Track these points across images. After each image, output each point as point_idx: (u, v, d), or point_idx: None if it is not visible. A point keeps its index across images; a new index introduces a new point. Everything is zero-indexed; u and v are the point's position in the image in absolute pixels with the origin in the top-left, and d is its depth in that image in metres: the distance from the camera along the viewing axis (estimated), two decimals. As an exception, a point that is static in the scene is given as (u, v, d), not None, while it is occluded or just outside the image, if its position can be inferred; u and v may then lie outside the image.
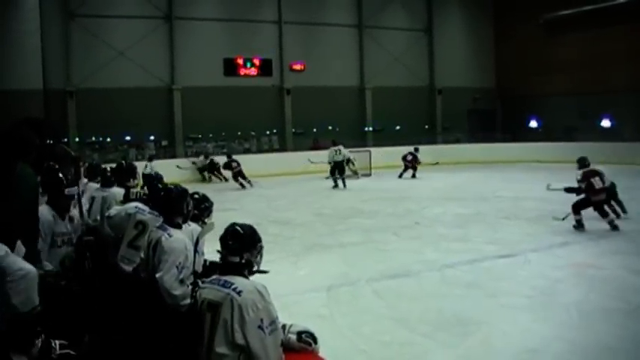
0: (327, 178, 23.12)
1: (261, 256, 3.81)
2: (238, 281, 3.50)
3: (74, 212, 5.65)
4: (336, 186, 21.71)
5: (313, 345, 3.88)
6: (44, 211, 5.21)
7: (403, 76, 34.73)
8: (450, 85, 35.57)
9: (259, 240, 3.82)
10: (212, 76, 29.73)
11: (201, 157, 26.90)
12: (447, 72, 35.75)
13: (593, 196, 11.99)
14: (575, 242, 11.05)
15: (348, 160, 23.92)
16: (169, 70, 29.45)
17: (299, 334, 3.84)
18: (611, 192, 14.55)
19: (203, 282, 3.84)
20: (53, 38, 26.44)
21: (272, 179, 24.79)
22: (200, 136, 30.19)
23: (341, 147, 22.22)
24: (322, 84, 31.93)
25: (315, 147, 30.37)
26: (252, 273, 3.73)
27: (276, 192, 20.73)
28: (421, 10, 36.02)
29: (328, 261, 10.09)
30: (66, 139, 26.21)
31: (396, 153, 25.72)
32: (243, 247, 3.68)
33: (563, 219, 12.77)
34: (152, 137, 29.17)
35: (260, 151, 31.18)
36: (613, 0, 29.67)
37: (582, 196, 12.24)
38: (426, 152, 26.76)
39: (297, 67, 32.26)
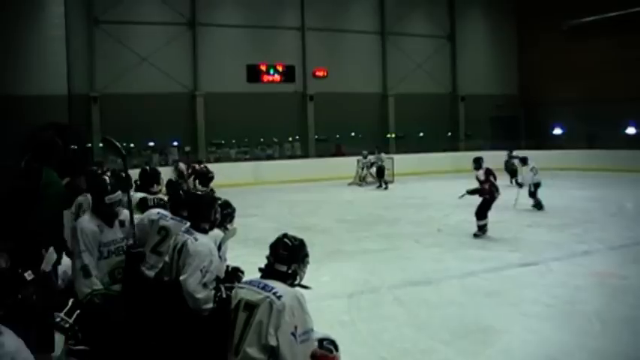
0: (350, 184, 23.23)
1: (305, 270, 3.88)
2: (279, 286, 3.56)
3: (125, 214, 5.24)
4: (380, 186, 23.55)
5: (334, 352, 3.92)
6: (86, 221, 4.95)
7: (426, 83, 34.71)
8: (472, 92, 35.48)
9: (307, 255, 3.89)
10: (235, 83, 29.89)
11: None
12: (470, 79, 35.69)
13: (497, 194, 12.74)
14: (597, 251, 10.99)
15: (372, 165, 24.21)
16: (192, 76, 29.64)
17: (320, 341, 3.87)
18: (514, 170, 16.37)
19: (239, 283, 3.91)
20: (78, 44, 26.74)
21: (294, 185, 24.85)
22: (223, 142, 30.35)
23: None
24: (345, 90, 31.96)
25: (338, 153, 30.43)
26: (293, 286, 3.76)
27: (298, 198, 20.78)
28: (444, 18, 36.00)
29: (350, 268, 10.12)
30: (89, 145, 26.47)
31: (418, 160, 25.70)
32: (292, 257, 3.76)
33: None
34: (175, 143, 29.35)
35: (282, 157, 31.22)
36: (635, 7, 29.44)
37: (482, 199, 12.80)
38: (448, 159, 26.70)
39: (320, 73, 32.34)
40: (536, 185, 17.09)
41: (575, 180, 22.24)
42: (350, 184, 24.51)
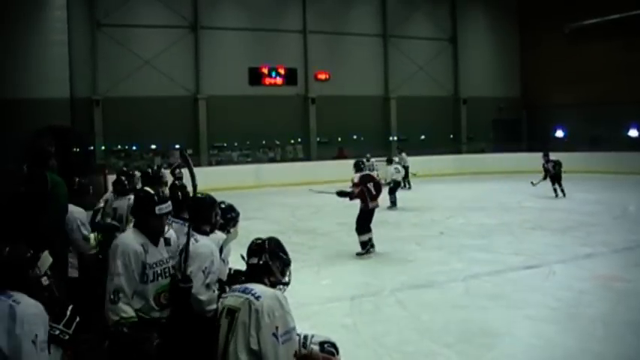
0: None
1: (281, 267, 3.85)
2: (258, 287, 3.55)
3: (170, 233, 4.58)
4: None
5: (336, 355, 3.88)
6: (129, 239, 4.24)
7: (428, 86, 34.68)
8: (474, 94, 35.43)
9: (280, 250, 3.90)
10: (237, 85, 29.87)
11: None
12: (472, 82, 35.64)
13: (371, 203, 11.33)
14: (601, 254, 10.95)
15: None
16: (195, 79, 29.63)
17: (321, 344, 3.84)
18: (556, 174, 16.05)
19: (227, 291, 3.87)
20: (80, 47, 26.72)
21: (296, 188, 24.82)
22: (225, 144, 30.35)
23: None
24: (347, 93, 31.94)
25: (340, 156, 30.39)
26: (274, 284, 3.73)
27: (300, 201, 20.73)
28: (446, 20, 35.97)
29: (351, 271, 10.09)
30: (92, 147, 26.47)
31: (420, 163, 25.65)
32: (262, 249, 3.79)
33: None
34: (177, 146, 29.33)
35: (284, 160, 31.20)
36: (637, 9, 29.41)
37: (359, 211, 11.49)
38: (450, 162, 26.70)
39: (322, 76, 32.32)
40: (397, 183, 19.15)
41: (578, 183, 22.18)
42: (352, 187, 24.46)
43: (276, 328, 3.34)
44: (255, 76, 30.78)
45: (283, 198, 21.80)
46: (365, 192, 11.27)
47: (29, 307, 2.98)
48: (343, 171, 23.41)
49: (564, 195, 19.15)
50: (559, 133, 34.51)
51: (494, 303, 7.95)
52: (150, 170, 9.94)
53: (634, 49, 29.89)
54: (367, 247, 11.14)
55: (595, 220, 14.65)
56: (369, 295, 8.39)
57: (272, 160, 30.58)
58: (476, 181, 21.93)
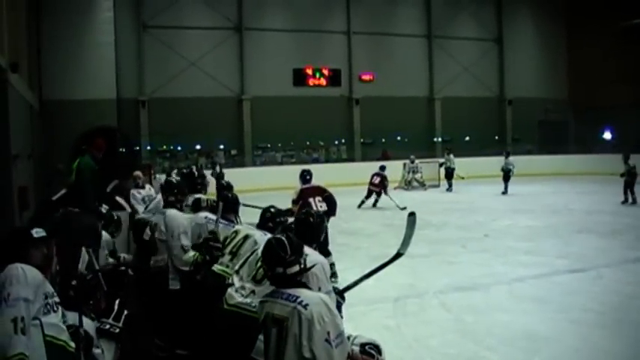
0: (396, 188, 23.23)
1: (303, 261, 3.67)
2: (303, 294, 3.44)
3: None
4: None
5: (377, 357, 3.87)
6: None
7: (473, 87, 34.45)
8: (520, 95, 35.07)
9: (302, 247, 3.74)
10: (281, 86, 30.03)
11: None
12: (518, 82, 35.29)
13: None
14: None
15: (441, 166, 24.45)
16: (239, 80, 29.86)
17: (362, 345, 3.83)
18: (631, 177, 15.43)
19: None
20: (127, 49, 27.17)
21: (340, 189, 24.79)
22: (269, 145, 30.52)
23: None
24: (391, 94, 31.85)
25: (384, 157, 30.34)
26: (305, 270, 3.65)
27: (344, 202, 20.68)
28: (491, 20, 35.67)
29: (396, 272, 10.01)
30: (137, 147, 26.85)
31: (465, 164, 25.47)
32: (284, 257, 3.54)
33: None
34: (222, 146, 29.60)
35: (328, 160, 31.25)
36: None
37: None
38: (495, 163, 26.37)
39: (366, 77, 32.32)
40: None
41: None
42: (396, 188, 24.39)
43: (328, 333, 3.29)
44: (299, 77, 30.92)
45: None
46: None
47: (12, 269, 3.09)
48: (387, 172, 23.45)
49: (635, 202, 18.12)
50: (607, 135, 33.95)
51: (538, 307, 7.87)
52: (193, 168, 10.02)
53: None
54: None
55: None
56: (412, 296, 8.38)
57: (316, 161, 30.61)
58: (521, 183, 21.68)
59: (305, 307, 3.34)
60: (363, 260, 10.90)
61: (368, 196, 20.01)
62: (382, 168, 20.19)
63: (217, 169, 21.34)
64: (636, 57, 31.49)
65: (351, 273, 9.65)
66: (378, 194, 19.93)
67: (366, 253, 11.51)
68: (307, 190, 9.54)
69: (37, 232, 3.36)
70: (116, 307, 4.29)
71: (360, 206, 19.80)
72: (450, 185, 24.15)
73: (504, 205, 18.86)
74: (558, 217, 16.24)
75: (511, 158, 23.48)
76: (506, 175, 22.69)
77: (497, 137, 35.25)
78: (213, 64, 28.96)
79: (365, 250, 11.92)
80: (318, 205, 9.21)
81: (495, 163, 26.26)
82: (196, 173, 10.54)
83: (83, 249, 4.50)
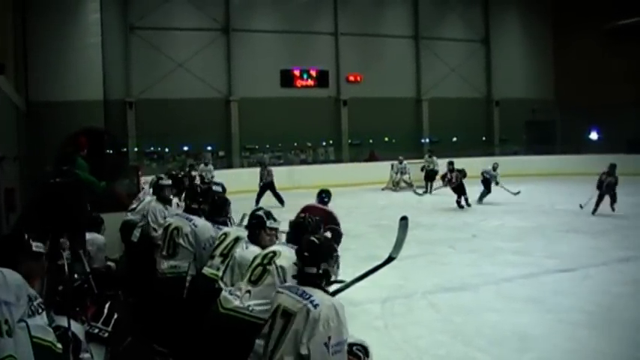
0: (383, 189, 23.25)
1: (337, 266, 3.78)
2: (317, 294, 3.47)
3: None
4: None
5: (364, 358, 3.86)
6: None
7: (460, 88, 34.52)
8: (507, 96, 35.19)
9: (335, 250, 3.79)
10: (269, 88, 30.00)
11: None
12: (505, 83, 35.41)
13: None
14: (638, 258, 10.78)
15: (422, 169, 24.36)
16: (227, 82, 29.82)
17: (350, 346, 3.81)
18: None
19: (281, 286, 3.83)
20: (114, 51, 27.04)
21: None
22: (257, 146, 30.48)
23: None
24: (379, 95, 31.90)
25: (372, 158, 30.37)
26: (329, 283, 3.71)
27: (332, 203, 20.68)
28: (478, 21, 35.79)
29: (384, 273, 9.97)
30: (125, 149, 26.73)
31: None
32: (319, 257, 3.64)
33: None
34: (209, 147, 29.53)
35: (316, 161, 31.23)
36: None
37: None
38: (483, 164, 26.42)
39: (354, 78, 32.32)
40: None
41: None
42: (384, 189, 24.43)
43: (329, 338, 3.30)
44: (287, 78, 30.90)
45: (315, 200, 21.77)
46: None
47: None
48: (374, 173, 23.49)
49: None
50: (594, 135, 34.11)
51: (528, 306, 7.88)
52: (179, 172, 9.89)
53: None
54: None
55: (631, 223, 14.45)
56: (401, 297, 8.37)
57: (304, 162, 30.62)
58: (509, 184, 21.70)
59: (315, 306, 3.37)
60: (351, 261, 10.82)
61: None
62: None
63: (194, 172, 20.77)
64: (621, 58, 31.70)
65: (341, 274, 9.66)
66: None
67: (355, 254, 11.46)
68: (313, 210, 8.36)
69: (37, 247, 3.33)
70: (106, 310, 4.25)
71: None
72: (430, 188, 23.77)
73: (492, 206, 18.91)
74: (546, 217, 16.29)
75: (435, 158, 24.14)
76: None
77: (484, 138, 35.36)
78: (200, 66, 28.89)
79: (353, 251, 11.86)
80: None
81: (484, 163, 26.33)
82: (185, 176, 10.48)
83: (81, 252, 4.49)
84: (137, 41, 27.93)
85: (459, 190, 18.50)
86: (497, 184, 20.08)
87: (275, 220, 5.28)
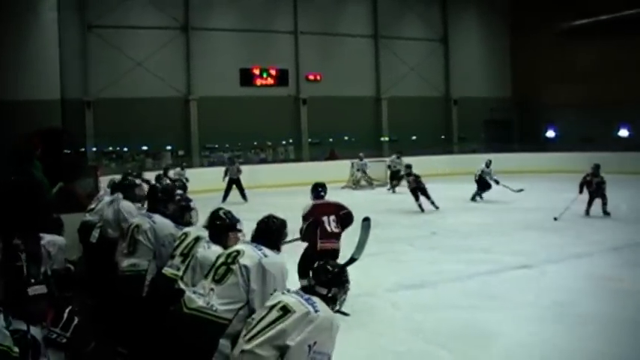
0: (343, 187, 23.32)
1: (345, 297, 3.94)
2: (322, 306, 3.60)
3: None
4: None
5: None
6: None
7: (419, 87, 34.78)
8: (466, 95, 35.56)
9: (348, 281, 3.97)
10: (228, 86, 29.85)
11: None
12: (463, 82, 35.77)
13: (321, 243, 7.86)
14: (595, 254, 10.96)
15: (388, 168, 24.33)
16: (186, 81, 29.61)
17: None
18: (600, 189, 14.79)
19: (289, 291, 3.88)
20: (71, 49, 26.64)
21: (288, 189, 24.78)
22: (216, 145, 30.32)
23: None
24: (338, 94, 31.93)
25: (331, 157, 30.40)
26: (333, 309, 3.79)
27: (291, 202, 20.58)
28: (437, 21, 36.08)
29: (344, 271, 10.02)
30: (83, 149, 26.37)
31: (411, 163, 25.63)
32: (333, 282, 3.83)
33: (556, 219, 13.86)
34: (169, 147, 29.29)
35: (276, 161, 31.18)
36: (629, 9, 29.57)
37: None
38: (442, 162, 26.69)
39: (314, 77, 32.34)
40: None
41: (571, 183, 22.16)
42: (343, 187, 24.45)
43: (315, 343, 3.39)
44: (247, 77, 30.78)
45: (275, 199, 21.69)
46: (315, 229, 7.90)
47: None
48: (334, 171, 23.46)
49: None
50: (550, 133, 34.59)
51: (487, 303, 7.94)
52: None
53: (625, 49, 30.05)
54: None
55: (586, 220, 14.65)
56: (362, 295, 8.34)
57: (263, 161, 30.54)
58: (468, 182, 21.86)
59: (317, 311, 3.49)
60: (312, 260, 10.86)
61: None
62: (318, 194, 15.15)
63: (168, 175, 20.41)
64: (578, 57, 32.25)
65: (347, 295, 9.63)
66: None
67: (315, 253, 11.46)
68: (320, 207, 8.16)
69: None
70: (65, 315, 4.17)
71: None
72: (394, 187, 23.85)
73: (451, 204, 19.03)
74: (504, 214, 16.46)
75: (403, 159, 23.74)
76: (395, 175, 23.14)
77: (443, 136, 35.68)
78: (159, 65, 28.64)
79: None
80: (332, 225, 7.95)
81: (443, 161, 26.61)
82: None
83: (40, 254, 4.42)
84: (95, 40, 27.58)
85: (416, 193, 18.45)
86: (497, 183, 19.88)
87: (239, 220, 5.29)
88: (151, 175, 17.05)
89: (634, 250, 11.18)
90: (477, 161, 30.69)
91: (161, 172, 19.60)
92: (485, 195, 20.13)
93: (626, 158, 25.47)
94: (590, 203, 15.41)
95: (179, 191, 9.27)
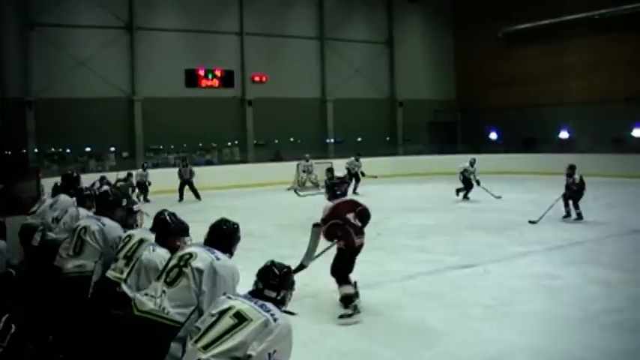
0: (289, 189, 23.34)
1: (291, 297, 3.98)
2: (277, 312, 3.61)
3: None
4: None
5: None
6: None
7: (364, 89, 34.96)
8: (410, 97, 35.89)
9: (294, 282, 4.02)
10: (173, 87, 29.52)
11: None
12: (408, 84, 36.09)
13: (357, 239, 7.88)
14: (535, 253, 11.20)
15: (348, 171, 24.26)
16: (130, 81, 29.19)
17: None
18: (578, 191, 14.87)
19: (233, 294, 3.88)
20: (12, 47, 26.05)
21: (233, 190, 24.71)
22: (161, 147, 29.99)
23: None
24: (284, 95, 31.92)
25: (277, 159, 30.39)
26: (278, 303, 3.81)
27: (237, 203, 20.60)
28: (382, 23, 36.32)
29: (290, 273, 10.03)
30: (24, 150, 25.83)
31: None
32: (282, 284, 3.86)
33: (536, 222, 13.87)
34: (112, 148, 28.86)
35: (221, 162, 30.95)
36: (568, 15, 30.27)
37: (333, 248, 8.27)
38: (387, 163, 26.86)
39: (259, 78, 32.22)
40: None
41: (512, 183, 22.65)
42: (289, 189, 24.45)
43: (274, 351, 3.40)
44: (192, 78, 30.51)
45: (221, 200, 21.63)
46: (343, 230, 7.83)
47: None
48: (280, 173, 23.44)
49: (580, 217, 15.22)
50: (493, 135, 35.13)
51: (431, 303, 8.06)
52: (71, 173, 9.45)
53: (565, 53, 30.82)
54: (354, 302, 7.67)
55: (528, 219, 14.90)
56: (307, 296, 8.37)
57: (209, 163, 30.29)
58: (412, 183, 22.13)
59: (275, 319, 3.49)
60: (258, 261, 10.76)
61: None
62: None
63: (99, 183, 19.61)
64: (519, 61, 32.95)
65: (248, 274, 9.61)
66: None
67: (262, 255, 11.33)
68: (342, 206, 8.01)
69: None
70: (1, 325, 4.08)
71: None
72: (355, 189, 23.70)
73: (396, 204, 19.17)
74: (448, 214, 16.68)
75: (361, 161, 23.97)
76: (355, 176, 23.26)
77: (388, 138, 35.91)
78: (103, 64, 28.14)
79: (259, 251, 11.76)
80: (356, 220, 7.84)
81: (388, 163, 26.78)
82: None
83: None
84: (37, 38, 26.93)
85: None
86: (478, 183, 19.79)
87: (184, 223, 5.40)
88: (92, 178, 16.61)
89: (571, 249, 11.49)
90: (421, 163, 31.21)
91: (100, 176, 18.89)
92: (430, 196, 20.29)
93: (566, 159, 26.02)
94: (566, 204, 15.37)
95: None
